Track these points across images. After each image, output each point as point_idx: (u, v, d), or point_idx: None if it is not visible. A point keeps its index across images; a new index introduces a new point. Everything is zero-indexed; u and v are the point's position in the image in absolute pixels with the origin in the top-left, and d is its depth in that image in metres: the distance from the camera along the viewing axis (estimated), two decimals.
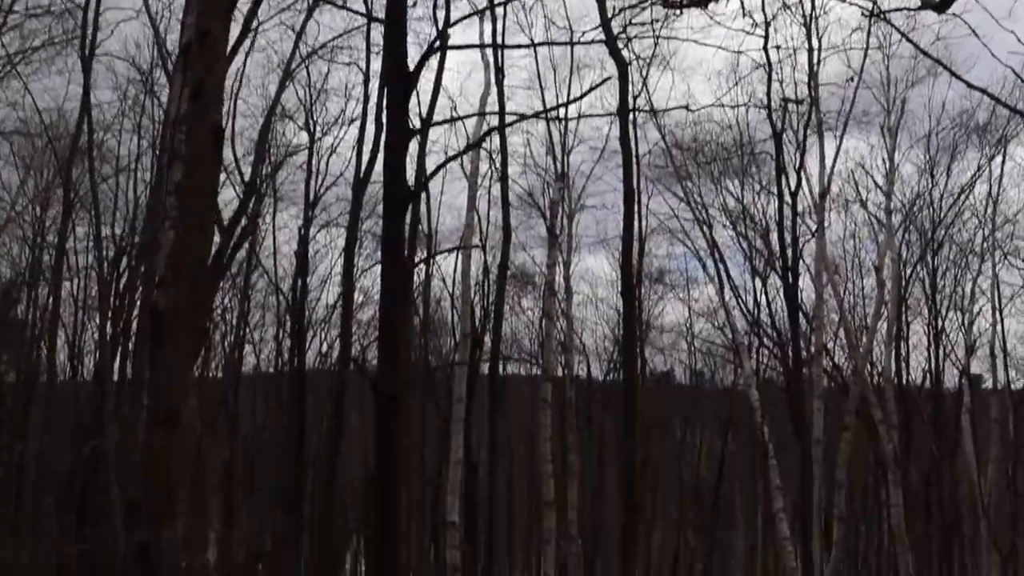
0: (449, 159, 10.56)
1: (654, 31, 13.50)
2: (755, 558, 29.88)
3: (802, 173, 19.89)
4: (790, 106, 19.02)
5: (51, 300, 18.23)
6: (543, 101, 20.11)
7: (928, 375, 26.24)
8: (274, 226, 24.18)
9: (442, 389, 25.95)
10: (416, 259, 13.12)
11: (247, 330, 27.31)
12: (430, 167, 14.22)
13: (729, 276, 22.18)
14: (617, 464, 22.05)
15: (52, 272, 18.72)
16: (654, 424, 29.66)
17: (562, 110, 17.25)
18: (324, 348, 28.68)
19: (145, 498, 2.58)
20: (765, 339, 24.51)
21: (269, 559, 20.54)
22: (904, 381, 25.40)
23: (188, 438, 3.04)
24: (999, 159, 21.85)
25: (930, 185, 22.57)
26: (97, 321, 20.32)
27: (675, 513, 33.94)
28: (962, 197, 22.54)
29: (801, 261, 20.36)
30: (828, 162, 19.47)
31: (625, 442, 11.48)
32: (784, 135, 19.42)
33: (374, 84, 16.88)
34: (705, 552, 30.98)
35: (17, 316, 26.36)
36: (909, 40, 10.83)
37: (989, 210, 22.05)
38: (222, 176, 13.67)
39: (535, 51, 18.29)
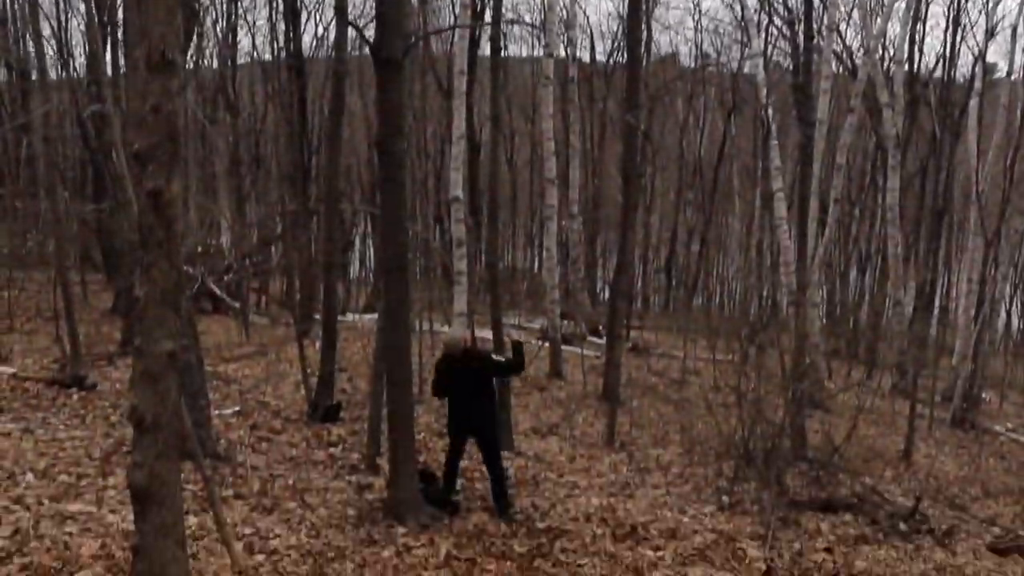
0: None
1: None
2: (751, 237, 30.91)
3: None
4: None
5: None
6: None
7: (942, 60, 25.66)
8: None
9: (443, 67, 25.54)
10: None
11: (239, 12, 26.46)
12: None
13: None
14: (619, 143, 21.91)
15: None
16: (657, 96, 29.44)
17: None
18: (320, 32, 27.95)
19: (150, 149, 2.57)
20: (775, 17, 23.63)
21: (282, 241, 21.26)
22: (916, 67, 24.84)
23: (180, 89, 2.98)
24: None
25: None
26: (82, 9, 19.55)
27: (675, 195, 34.74)
28: None
29: None
30: None
31: (627, 114, 11.36)
32: None
33: None
34: (702, 231, 32.07)
35: None
36: None
37: None
38: None
39: None
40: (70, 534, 5.63)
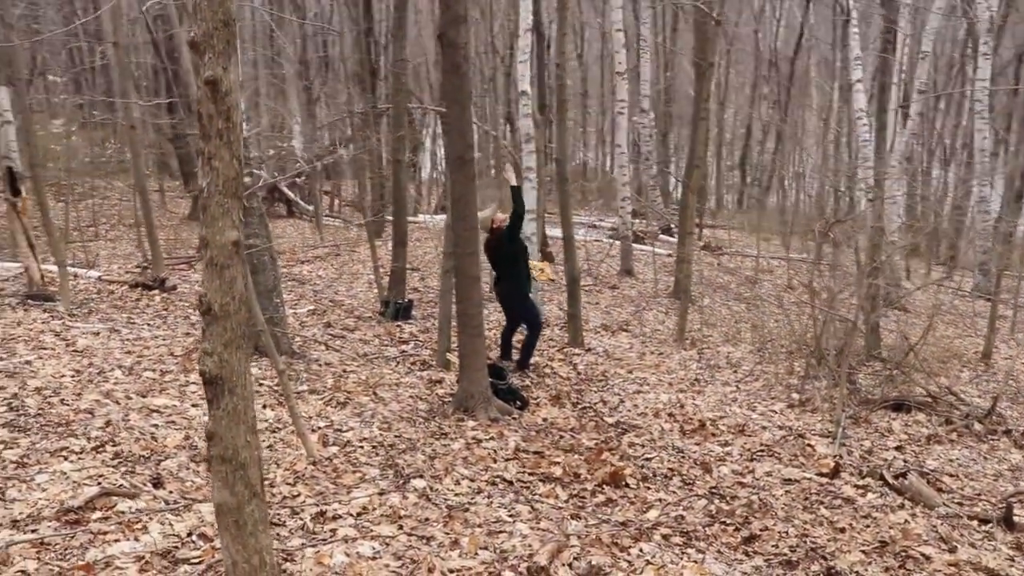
0: None
1: None
2: (828, 132, 29.86)
3: None
4: None
5: None
6: None
7: None
8: None
9: None
10: None
11: None
12: None
13: None
14: (692, 34, 21.06)
15: None
16: None
17: None
18: None
19: (206, 36, 2.57)
20: None
21: (352, 143, 21.32)
22: None
23: None
24: None
25: None
26: None
27: (749, 90, 33.63)
28: None
29: None
30: None
31: (700, 1, 10.95)
32: None
33: None
34: (778, 126, 31.11)
35: None
36: None
37: None
38: None
39: None
40: (156, 426, 5.89)
